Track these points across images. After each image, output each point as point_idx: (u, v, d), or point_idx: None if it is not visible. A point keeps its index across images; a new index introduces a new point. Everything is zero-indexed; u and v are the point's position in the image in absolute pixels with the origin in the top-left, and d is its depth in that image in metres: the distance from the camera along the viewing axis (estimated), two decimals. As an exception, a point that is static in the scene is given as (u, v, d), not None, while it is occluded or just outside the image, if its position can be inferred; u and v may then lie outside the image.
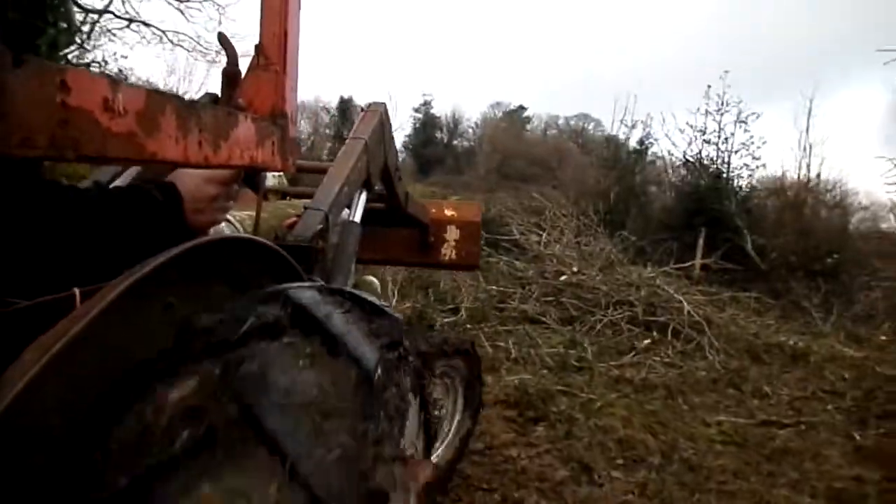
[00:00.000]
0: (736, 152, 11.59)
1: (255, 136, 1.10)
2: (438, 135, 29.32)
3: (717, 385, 4.94)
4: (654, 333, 6.08)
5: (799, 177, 11.40)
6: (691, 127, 11.99)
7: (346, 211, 2.01)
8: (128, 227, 1.13)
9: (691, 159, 12.01)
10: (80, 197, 1.13)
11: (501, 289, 6.94)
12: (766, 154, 12.81)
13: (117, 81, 0.72)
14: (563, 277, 7.00)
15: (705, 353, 5.67)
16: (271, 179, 2.63)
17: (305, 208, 1.77)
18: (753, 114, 11.62)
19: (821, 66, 33.33)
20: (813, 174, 11.44)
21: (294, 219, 1.84)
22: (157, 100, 0.79)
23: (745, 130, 11.58)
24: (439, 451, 2.94)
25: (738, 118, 11.57)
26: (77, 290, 0.85)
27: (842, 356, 6.23)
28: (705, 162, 11.81)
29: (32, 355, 0.68)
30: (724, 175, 11.49)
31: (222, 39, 1.23)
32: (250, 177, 1.44)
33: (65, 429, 0.72)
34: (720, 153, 11.71)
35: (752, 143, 11.52)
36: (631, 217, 10.92)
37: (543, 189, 11.51)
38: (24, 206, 1.01)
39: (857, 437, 3.94)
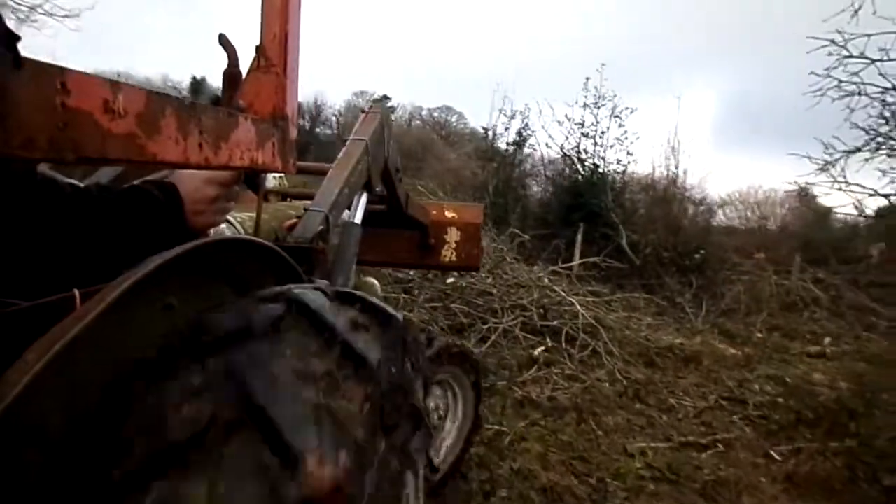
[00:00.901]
0: (611, 147, 12.16)
1: (256, 137, 1.16)
2: (300, 122, 28.64)
3: (623, 400, 5.07)
4: (549, 340, 6.15)
5: (667, 173, 12.14)
6: (569, 119, 12.42)
7: (347, 212, 2.13)
8: (128, 226, 1.19)
9: (569, 153, 12.43)
10: (80, 196, 1.16)
11: (382, 294, 6.72)
12: (638, 149, 13.75)
13: (118, 83, 0.75)
14: (450, 280, 6.89)
15: (602, 359, 5.84)
16: (272, 181, 2.76)
17: (306, 209, 1.87)
18: (628, 108, 12.26)
19: (685, 65, 36.87)
20: (680, 171, 12.21)
21: (294, 220, 1.96)
22: (158, 101, 0.83)
23: (620, 125, 12.18)
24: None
25: (612, 112, 12.15)
26: (77, 291, 0.90)
27: (725, 356, 6.73)
28: (582, 156, 12.28)
29: (33, 356, 0.72)
30: (601, 169, 12.01)
31: (223, 41, 1.27)
32: (251, 178, 1.52)
33: (65, 429, 0.76)
34: (597, 147, 12.23)
35: (626, 137, 12.13)
36: (513, 213, 11.14)
37: (419, 182, 11.48)
38: (22, 206, 1.04)
39: (777, 457, 4.13)
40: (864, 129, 5.50)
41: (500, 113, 12.99)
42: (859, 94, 5.27)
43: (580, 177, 12.09)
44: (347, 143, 2.31)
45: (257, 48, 1.30)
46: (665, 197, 11.80)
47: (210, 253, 0.99)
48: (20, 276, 1.02)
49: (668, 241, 10.57)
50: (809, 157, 5.68)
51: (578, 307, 6.66)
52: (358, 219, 2.17)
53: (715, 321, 8.50)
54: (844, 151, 5.37)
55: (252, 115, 1.18)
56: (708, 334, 7.70)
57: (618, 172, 12.31)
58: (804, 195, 19.14)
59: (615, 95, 12.27)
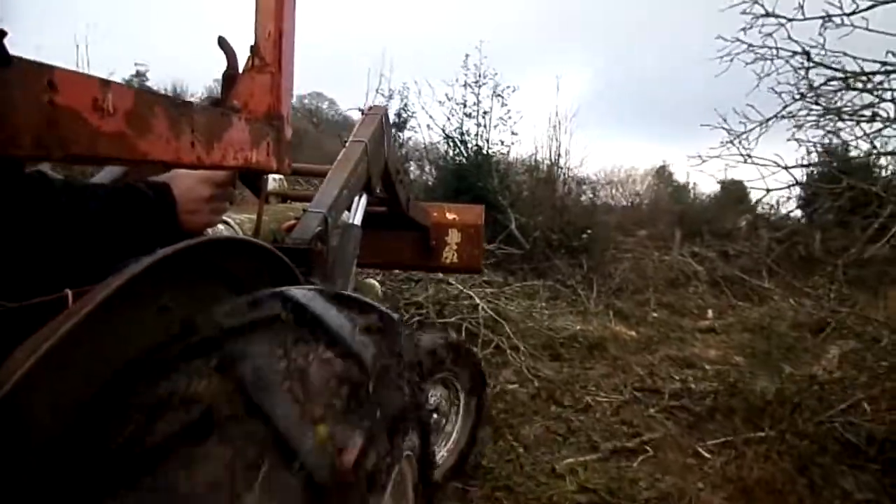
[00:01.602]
0: (495, 127, 12.17)
1: (250, 137, 1.19)
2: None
3: (537, 403, 4.94)
4: (448, 340, 6.03)
5: (551, 153, 12.27)
6: (450, 99, 12.33)
7: (347, 214, 2.23)
8: (118, 224, 1.21)
9: (452, 134, 12.31)
10: (69, 192, 1.18)
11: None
12: (522, 129, 13.84)
13: (107, 81, 0.78)
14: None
15: (508, 356, 5.77)
16: (272, 182, 2.79)
17: (305, 211, 1.96)
18: (509, 87, 12.32)
19: (563, 43, 37.87)
20: (562, 150, 12.40)
21: (293, 221, 2.04)
22: (148, 99, 0.87)
23: (503, 105, 12.23)
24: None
25: (494, 92, 12.16)
26: (69, 291, 0.92)
27: (626, 340, 6.89)
28: (466, 137, 12.19)
29: (23, 354, 0.76)
30: (485, 151, 11.99)
31: (222, 43, 1.33)
32: (248, 178, 1.59)
33: (55, 427, 0.80)
34: (480, 128, 12.19)
35: (510, 117, 12.19)
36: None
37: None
38: (9, 202, 1.05)
39: (706, 455, 4.07)
40: (786, 93, 5.25)
41: (377, 93, 12.71)
42: (771, 59, 5.10)
43: (465, 159, 12.06)
44: (347, 144, 2.40)
45: (252, 48, 1.34)
46: (549, 178, 12.03)
47: (204, 253, 1.03)
48: (8, 276, 1.03)
49: (556, 223, 10.77)
50: (725, 129, 5.55)
51: (477, 300, 6.61)
52: (357, 220, 2.27)
53: (608, 302, 8.75)
54: (761, 121, 5.30)
55: (246, 115, 1.20)
56: (604, 317, 7.91)
57: (502, 154, 12.39)
58: (661, 172, 20.61)
59: (496, 74, 12.30)
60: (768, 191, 5.35)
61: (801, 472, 3.67)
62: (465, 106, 12.27)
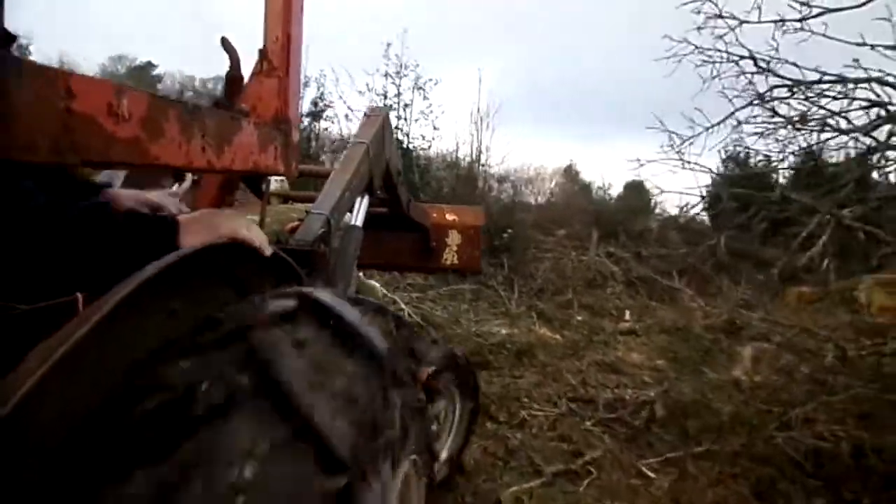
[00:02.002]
0: (416, 121, 12.22)
1: (258, 140, 1.20)
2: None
3: None
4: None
5: (472, 150, 12.40)
6: (370, 89, 12.24)
7: (349, 215, 2.28)
8: (102, 238, 1.17)
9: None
10: (48, 200, 1.14)
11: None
12: (443, 124, 13.72)
13: (123, 87, 0.80)
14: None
15: (438, 366, 5.59)
16: (273, 183, 2.72)
17: (308, 212, 2.00)
18: (431, 80, 12.38)
19: (486, 35, 37.91)
20: (483, 147, 12.53)
21: (296, 223, 2.07)
22: (161, 105, 0.88)
23: (424, 98, 12.28)
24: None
25: (416, 84, 12.19)
26: (79, 295, 0.98)
27: (553, 345, 6.83)
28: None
29: (36, 359, 0.77)
30: (406, 145, 11.82)
31: (225, 44, 1.30)
32: (250, 179, 1.61)
33: (66, 432, 0.81)
34: (401, 122, 12.15)
35: (431, 111, 12.27)
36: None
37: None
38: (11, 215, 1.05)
39: (650, 474, 3.93)
40: (738, 97, 5.28)
41: (290, 78, 12.23)
42: (718, 61, 5.09)
43: (386, 153, 11.74)
44: (349, 146, 2.44)
45: (260, 51, 1.37)
46: (470, 175, 11.96)
47: (210, 256, 1.05)
48: (14, 280, 1.03)
49: (477, 222, 10.67)
50: (671, 133, 5.51)
51: (402, 304, 6.52)
52: (359, 222, 2.32)
53: (530, 303, 8.79)
54: (708, 126, 5.26)
55: (255, 119, 1.20)
56: (527, 319, 7.92)
57: (423, 149, 12.38)
58: (569, 171, 21.07)
59: (417, 65, 12.27)
60: (703, 197, 5.40)
61: (758, 497, 3.59)
62: (385, 97, 12.24)
